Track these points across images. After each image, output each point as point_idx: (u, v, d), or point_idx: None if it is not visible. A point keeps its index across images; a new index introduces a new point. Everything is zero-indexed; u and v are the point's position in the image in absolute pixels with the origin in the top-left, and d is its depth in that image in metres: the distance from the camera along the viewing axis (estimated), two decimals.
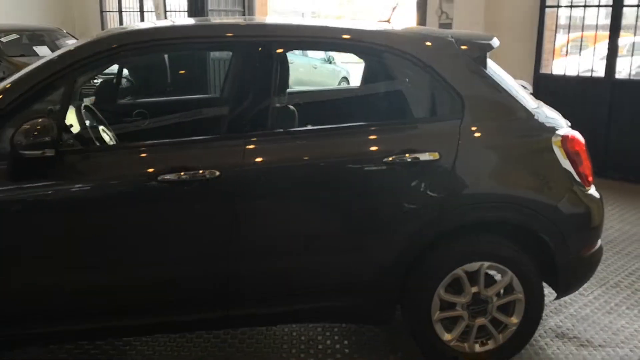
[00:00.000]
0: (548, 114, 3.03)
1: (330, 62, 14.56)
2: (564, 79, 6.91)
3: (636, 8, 6.39)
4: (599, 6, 6.65)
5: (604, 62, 6.61)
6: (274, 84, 2.75)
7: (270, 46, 2.71)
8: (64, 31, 11.44)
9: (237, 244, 2.64)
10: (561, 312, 3.57)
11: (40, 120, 2.40)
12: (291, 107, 2.92)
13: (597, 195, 3.02)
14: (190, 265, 2.66)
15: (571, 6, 6.92)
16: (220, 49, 2.99)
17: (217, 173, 2.57)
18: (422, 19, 8.40)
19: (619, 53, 6.72)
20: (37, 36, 10.87)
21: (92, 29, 13.70)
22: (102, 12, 13.94)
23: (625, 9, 6.47)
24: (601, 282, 3.95)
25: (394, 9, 3.33)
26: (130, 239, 2.61)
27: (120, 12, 13.47)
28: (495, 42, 3.03)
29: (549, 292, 3.06)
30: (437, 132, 2.79)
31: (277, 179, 2.68)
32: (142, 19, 12.92)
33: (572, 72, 6.91)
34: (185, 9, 11.53)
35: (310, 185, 2.71)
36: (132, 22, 12.06)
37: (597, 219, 2.99)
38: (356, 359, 3.05)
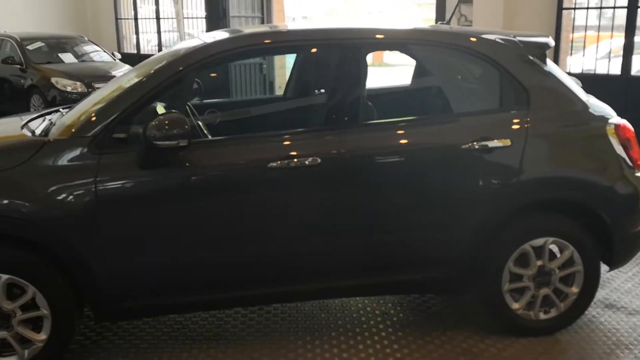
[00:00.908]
0: (599, 105, 3.39)
1: None
2: (581, 77, 7.25)
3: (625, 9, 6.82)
4: (614, 7, 7.04)
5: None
6: (363, 82, 3.09)
7: (363, 48, 3.07)
8: (85, 38, 11.75)
9: (337, 222, 2.98)
10: (606, 286, 3.91)
11: (173, 114, 2.74)
12: (369, 102, 3.27)
13: None
14: (297, 242, 3.00)
15: (587, 8, 7.30)
16: (323, 51, 3.32)
17: (319, 160, 2.91)
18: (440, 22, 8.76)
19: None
20: (61, 44, 11.18)
21: (106, 36, 14.02)
22: (117, 19, 14.26)
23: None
24: (636, 260, 4.29)
25: (453, 12, 3.65)
26: (247, 219, 2.95)
27: (136, 19, 13.78)
28: (551, 41, 3.39)
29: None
30: (508, 122, 3.14)
31: (370, 165, 3.03)
32: (159, 26, 13.21)
33: (588, 69, 7.28)
34: (203, 15, 11.92)
35: (397, 170, 3.06)
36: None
37: None
38: (428, 330, 3.38)
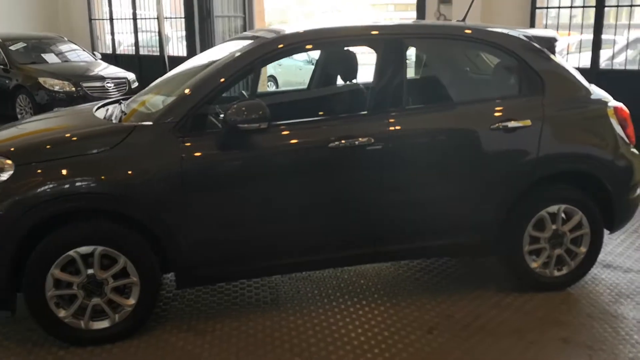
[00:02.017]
0: (599, 91, 3.94)
1: (312, 64, 15.36)
2: None
3: (594, 9, 7.50)
4: (583, 7, 7.72)
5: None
6: (405, 72, 3.55)
7: (408, 42, 3.54)
8: (65, 39, 11.86)
9: (390, 194, 3.44)
10: (601, 251, 4.46)
11: (252, 101, 3.14)
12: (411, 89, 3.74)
13: (637, 152, 3.94)
14: (354, 212, 3.43)
15: (559, 7, 7.96)
16: (371, 45, 3.77)
17: (372, 140, 3.35)
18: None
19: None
20: (42, 44, 11.27)
21: (80, 36, 14.07)
22: (90, 19, 14.33)
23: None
24: (623, 230, 4.87)
25: (468, 10, 4.16)
26: (312, 193, 3.38)
27: (111, 19, 13.88)
28: (558, 36, 3.93)
29: None
30: (527, 105, 3.65)
31: (413, 143, 3.49)
32: (135, 26, 13.33)
33: None
34: (182, 15, 12.14)
35: (437, 147, 3.54)
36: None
37: (637, 169, 3.90)
38: (458, 289, 3.86)
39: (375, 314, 3.55)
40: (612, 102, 3.86)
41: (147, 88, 4.13)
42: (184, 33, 12.53)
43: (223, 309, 3.64)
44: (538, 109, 3.63)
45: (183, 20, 12.06)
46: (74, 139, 3.32)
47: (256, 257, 3.40)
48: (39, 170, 3.09)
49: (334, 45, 4.01)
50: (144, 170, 3.15)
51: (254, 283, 3.96)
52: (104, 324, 3.22)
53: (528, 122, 3.58)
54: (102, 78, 10.23)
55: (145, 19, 13.37)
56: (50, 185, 3.05)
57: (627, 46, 7.76)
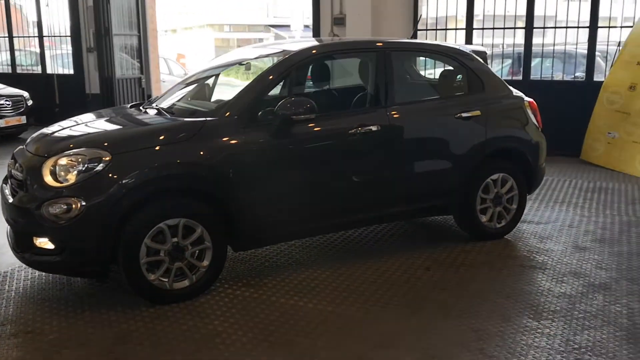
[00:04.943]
0: (516, 90, 5.36)
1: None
2: None
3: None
4: (456, 29, 9.42)
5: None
6: (395, 76, 4.66)
7: (394, 53, 4.67)
8: None
9: (392, 167, 4.53)
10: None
11: (300, 97, 4.07)
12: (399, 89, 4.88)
13: (542, 134, 5.40)
14: (365, 181, 4.45)
15: (436, 30, 9.60)
16: (368, 56, 4.71)
17: (380, 127, 4.42)
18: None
19: None
20: None
21: None
22: None
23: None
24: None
25: (415, 25, 5.41)
26: (341, 164, 4.37)
27: (10, 37, 13.15)
28: (487, 50, 5.30)
29: None
30: (476, 100, 4.93)
31: (407, 129, 4.61)
32: (42, 44, 12.79)
33: None
34: (68, 33, 12.15)
35: (424, 131, 4.72)
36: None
37: (544, 146, 5.35)
38: (428, 243, 5.03)
39: (383, 262, 4.57)
40: (527, 98, 5.29)
41: (167, 91, 4.86)
42: (62, 51, 12.53)
43: (263, 269, 4.46)
44: (483, 103, 4.93)
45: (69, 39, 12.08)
46: (158, 131, 4.01)
47: (304, 220, 4.30)
48: (133, 159, 3.74)
49: (348, 55, 5.05)
50: (217, 156, 3.91)
51: (287, 248, 4.84)
52: (184, 284, 3.91)
53: (478, 113, 4.87)
54: None
55: (21, 37, 13.10)
56: (144, 170, 3.71)
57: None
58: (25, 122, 10.51)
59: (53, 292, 4.09)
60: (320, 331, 3.53)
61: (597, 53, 8.85)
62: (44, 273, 4.30)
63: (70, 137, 4.06)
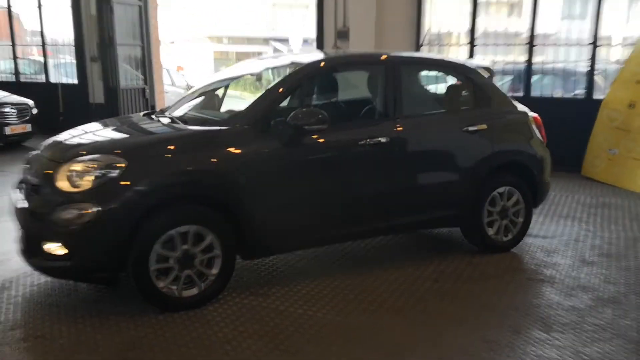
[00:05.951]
0: (521, 105, 5.40)
1: None
2: None
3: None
4: (459, 45, 9.50)
5: None
6: (404, 89, 4.69)
7: (407, 66, 4.71)
8: None
9: (398, 178, 4.54)
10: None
11: (312, 108, 4.09)
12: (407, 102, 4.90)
13: (547, 148, 5.44)
14: (373, 192, 4.46)
15: (439, 45, 9.68)
16: (379, 70, 4.70)
17: (388, 139, 4.45)
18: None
19: None
20: None
21: None
22: None
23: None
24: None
25: (423, 39, 5.45)
26: (350, 175, 4.36)
27: (13, 45, 13.15)
28: (492, 65, 5.35)
29: None
30: (482, 114, 4.97)
31: (416, 141, 4.63)
32: (45, 53, 12.78)
33: None
34: (72, 43, 12.18)
35: (432, 144, 4.73)
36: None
37: (549, 160, 5.39)
38: (434, 255, 5.04)
39: (391, 273, 4.57)
40: (531, 113, 5.34)
41: (178, 101, 4.88)
42: (65, 60, 12.55)
43: (271, 278, 4.45)
44: (490, 117, 4.97)
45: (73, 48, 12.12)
46: (172, 139, 4.02)
47: (313, 230, 4.30)
48: (148, 166, 3.75)
49: (357, 67, 5.08)
50: (229, 165, 3.92)
51: (294, 258, 4.84)
52: (193, 292, 3.90)
53: (484, 126, 4.90)
54: (2, 104, 10.17)
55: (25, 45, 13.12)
56: (158, 178, 3.73)
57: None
58: (30, 130, 10.50)
59: (60, 298, 4.08)
60: (330, 340, 3.53)
61: (595, 71, 8.90)
62: (49, 279, 4.29)
63: (85, 143, 4.07)
